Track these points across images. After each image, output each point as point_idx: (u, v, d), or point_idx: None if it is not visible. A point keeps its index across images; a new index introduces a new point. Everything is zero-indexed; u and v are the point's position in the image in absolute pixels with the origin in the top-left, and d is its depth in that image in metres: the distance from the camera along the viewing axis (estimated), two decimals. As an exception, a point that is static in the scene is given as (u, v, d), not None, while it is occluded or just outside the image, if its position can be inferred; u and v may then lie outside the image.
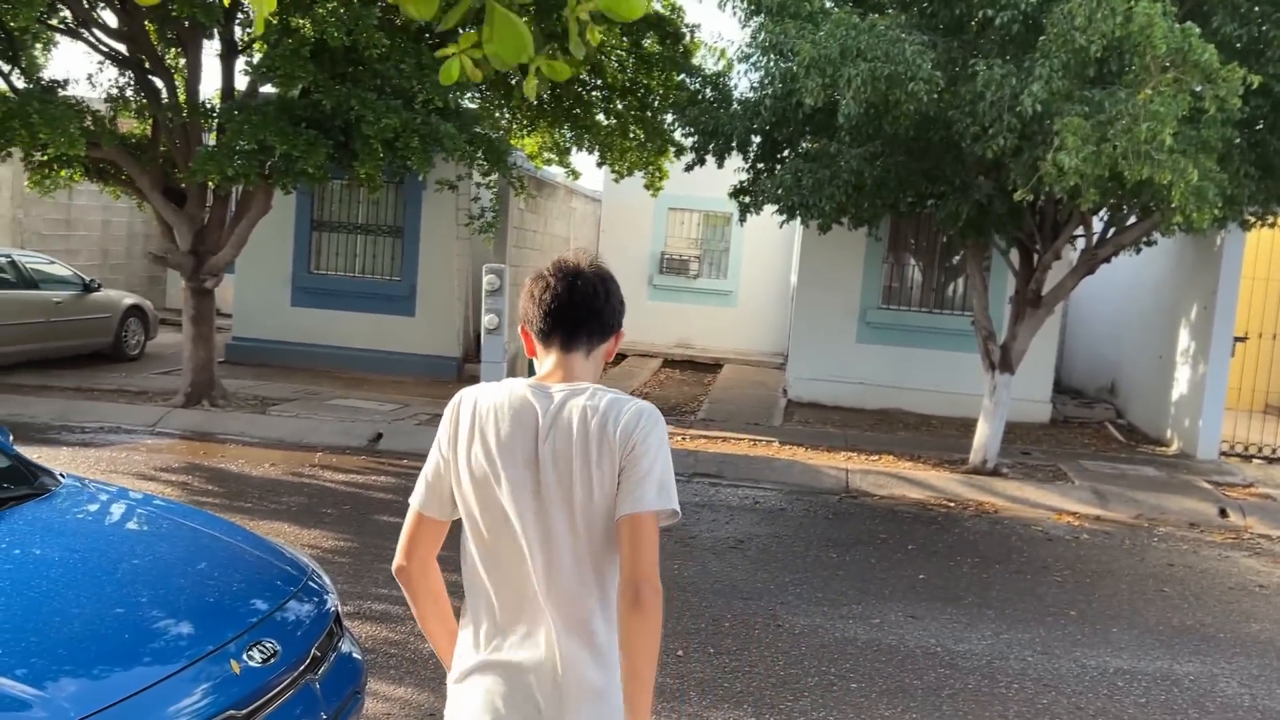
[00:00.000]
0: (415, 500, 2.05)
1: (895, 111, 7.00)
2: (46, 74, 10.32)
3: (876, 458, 9.72)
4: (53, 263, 12.17)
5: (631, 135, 12.09)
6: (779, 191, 8.26)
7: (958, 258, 12.57)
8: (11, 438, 3.38)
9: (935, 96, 6.80)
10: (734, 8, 7.89)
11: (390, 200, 12.80)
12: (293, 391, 11.07)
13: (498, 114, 11.82)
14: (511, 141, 13.09)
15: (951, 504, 8.47)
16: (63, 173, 10.25)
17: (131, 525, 2.89)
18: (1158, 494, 8.84)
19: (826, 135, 8.44)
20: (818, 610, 5.65)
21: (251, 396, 10.67)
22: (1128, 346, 13.07)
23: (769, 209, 9.48)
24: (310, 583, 2.81)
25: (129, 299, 12.97)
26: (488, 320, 11.56)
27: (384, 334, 12.77)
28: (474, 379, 11.84)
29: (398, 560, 2.06)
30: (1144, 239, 9.22)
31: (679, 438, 10.03)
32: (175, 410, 9.82)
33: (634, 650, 1.85)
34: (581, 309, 2.02)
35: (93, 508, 2.92)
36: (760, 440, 10.14)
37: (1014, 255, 9.63)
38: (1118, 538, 7.70)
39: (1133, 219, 8.83)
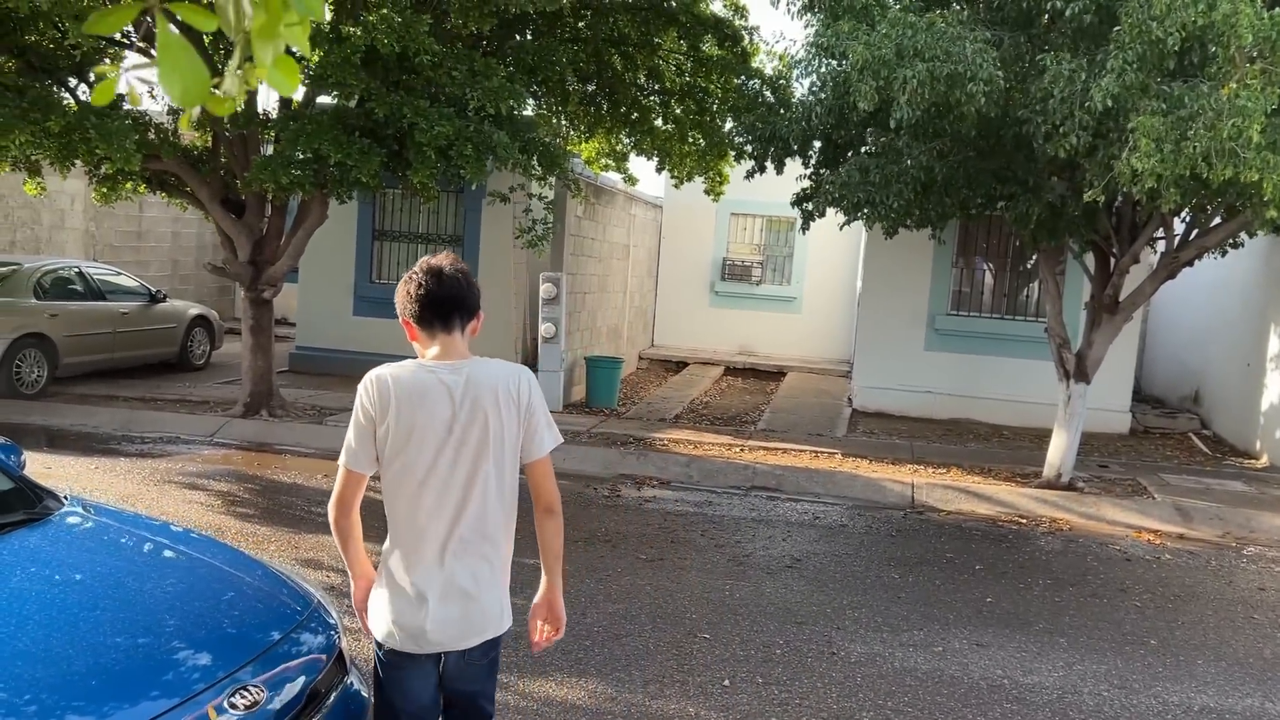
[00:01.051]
0: (346, 460, 2.59)
1: (956, 112, 6.67)
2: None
3: (944, 471, 9.33)
4: (119, 274, 12.37)
5: (690, 140, 11.87)
6: (842, 190, 7.94)
7: (1029, 262, 12.09)
8: (23, 456, 3.29)
9: (997, 98, 6.44)
10: (788, 6, 7.62)
11: (450, 209, 12.76)
12: (351, 401, 11.05)
13: (554, 119, 11.69)
14: (569, 147, 12.96)
15: (1023, 520, 8.07)
16: (127, 185, 10.38)
17: (124, 555, 2.75)
18: (1247, 510, 8.31)
19: (890, 133, 8.11)
20: (876, 637, 5.35)
21: (310, 406, 10.68)
22: (1213, 353, 12.43)
23: (832, 211, 9.17)
24: (313, 617, 2.65)
25: (194, 309, 13.15)
26: (544, 329, 11.45)
27: (443, 343, 12.71)
28: (531, 388, 11.71)
29: (337, 514, 2.60)
30: (1230, 240, 8.70)
31: (738, 449, 9.77)
32: (234, 420, 9.87)
33: (555, 543, 2.69)
34: (452, 298, 2.55)
35: (87, 536, 2.79)
36: (822, 452, 9.82)
37: (1089, 259, 9.17)
38: (1203, 558, 7.23)
39: (1217, 220, 8.33)
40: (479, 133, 8.31)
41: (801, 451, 9.81)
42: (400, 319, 2.57)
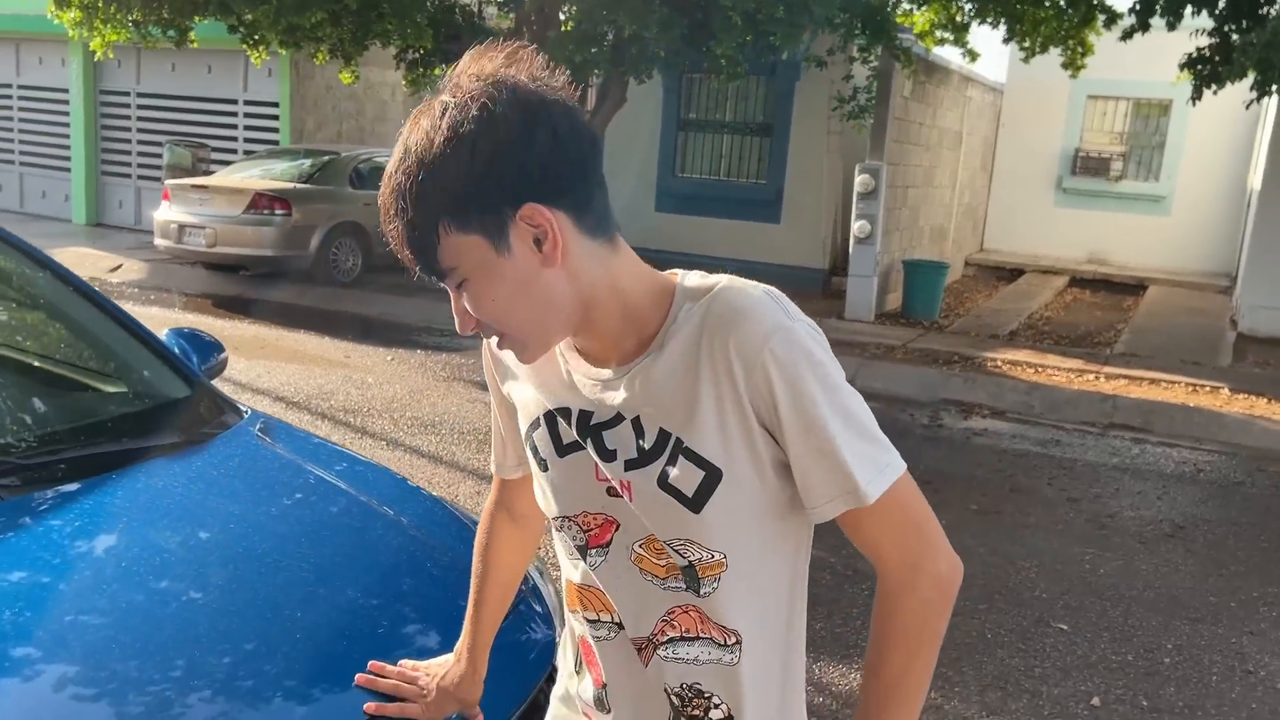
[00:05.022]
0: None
1: None
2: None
3: (1375, 418, 7.23)
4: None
5: (1049, 2, 9.92)
6: (1265, 51, 6.01)
7: None
8: (222, 355, 2.70)
9: None
10: None
11: (759, 95, 11.65)
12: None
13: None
14: (899, 19, 11.35)
15: None
16: (436, 70, 10.17)
17: (290, 501, 2.05)
18: None
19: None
20: (1312, 654, 3.89)
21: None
22: None
23: (1240, 81, 7.15)
24: (522, 607, 1.82)
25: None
26: (858, 227, 10.15)
27: (746, 242, 11.77)
28: (841, 294, 10.53)
29: None
30: None
31: (1091, 375, 8.12)
32: (530, 316, 9.53)
33: None
34: None
35: (249, 470, 2.12)
36: (1201, 385, 7.96)
37: None
38: None
39: None
40: (794, -9, 7.11)
41: (1174, 383, 7.99)
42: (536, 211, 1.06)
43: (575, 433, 1.17)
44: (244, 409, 2.39)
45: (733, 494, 1.09)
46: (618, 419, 1.14)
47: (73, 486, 1.93)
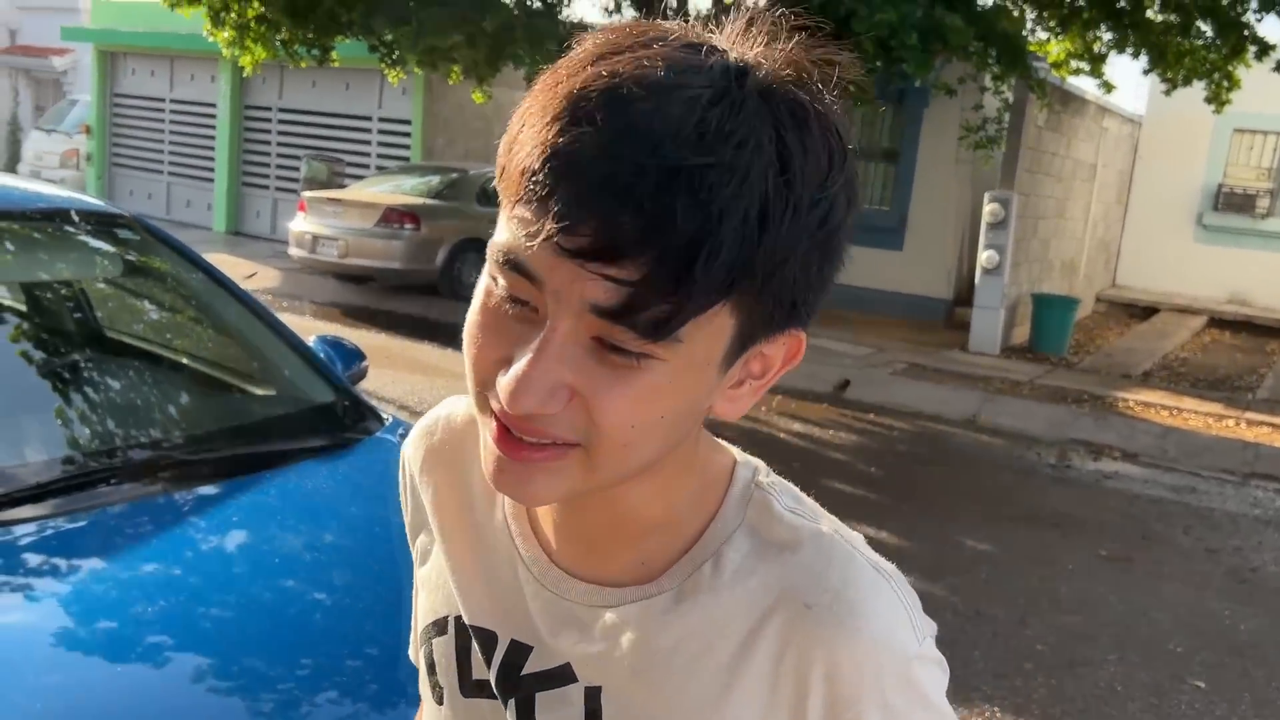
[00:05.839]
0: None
1: None
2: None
3: None
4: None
5: (1195, 32, 9.51)
6: None
7: None
8: (364, 363, 2.79)
9: None
10: None
11: (886, 121, 11.50)
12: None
13: (1018, 12, 9.90)
14: (1033, 48, 11.07)
15: None
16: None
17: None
18: None
19: None
20: None
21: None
22: None
23: None
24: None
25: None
26: (985, 258, 9.90)
27: (865, 268, 11.53)
28: (964, 326, 10.27)
29: None
30: None
31: (1231, 421, 7.72)
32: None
33: None
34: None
35: (393, 477, 2.17)
36: (1355, 437, 7.48)
37: None
38: None
39: None
40: (927, 17, 6.99)
41: (1324, 433, 7.54)
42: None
43: (493, 675, 0.74)
44: (386, 416, 2.47)
45: None
46: (566, 675, 0.71)
47: (222, 487, 2.02)
